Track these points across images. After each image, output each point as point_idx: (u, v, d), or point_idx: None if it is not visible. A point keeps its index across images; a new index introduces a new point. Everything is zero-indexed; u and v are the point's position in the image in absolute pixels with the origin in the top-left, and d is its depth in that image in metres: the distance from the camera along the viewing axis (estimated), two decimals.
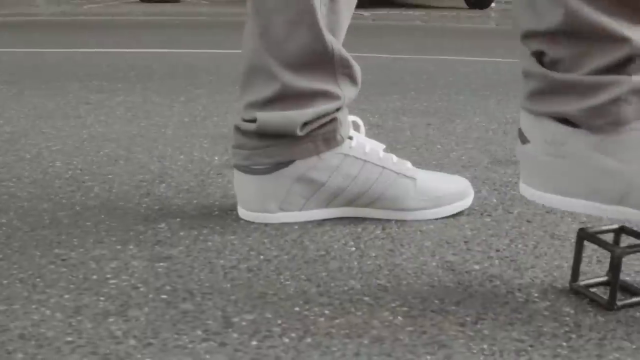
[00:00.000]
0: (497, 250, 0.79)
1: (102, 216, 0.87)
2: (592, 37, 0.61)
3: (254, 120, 0.84)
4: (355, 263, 0.74)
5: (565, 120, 0.64)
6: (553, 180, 0.65)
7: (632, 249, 0.67)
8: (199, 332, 0.59)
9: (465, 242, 0.81)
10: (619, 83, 0.61)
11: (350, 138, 0.87)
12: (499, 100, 1.76)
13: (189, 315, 0.62)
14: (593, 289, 0.70)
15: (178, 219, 0.86)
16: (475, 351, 0.57)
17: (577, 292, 0.69)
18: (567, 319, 0.63)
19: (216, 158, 1.15)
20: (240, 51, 3.11)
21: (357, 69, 0.85)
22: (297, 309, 0.63)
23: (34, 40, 3.08)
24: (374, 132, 1.36)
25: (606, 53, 0.61)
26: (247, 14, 0.84)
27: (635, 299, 0.68)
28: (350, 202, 0.86)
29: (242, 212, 0.87)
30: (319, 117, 0.84)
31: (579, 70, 0.62)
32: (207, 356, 0.55)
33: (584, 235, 0.69)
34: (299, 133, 0.83)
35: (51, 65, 2.27)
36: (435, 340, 0.58)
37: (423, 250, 0.78)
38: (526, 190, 0.68)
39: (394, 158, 0.88)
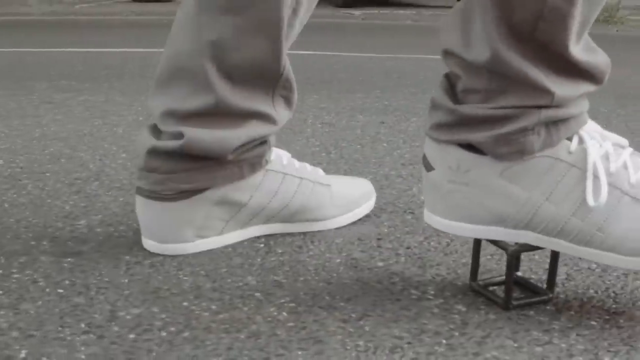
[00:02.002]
0: (408, 248, 0.79)
1: (27, 213, 0.88)
2: (515, 81, 0.61)
3: (179, 136, 0.72)
4: (259, 259, 0.75)
5: (470, 147, 0.64)
6: (458, 207, 0.65)
7: (525, 247, 0.67)
8: (82, 325, 0.60)
9: (378, 239, 0.82)
10: (527, 115, 0.61)
11: None
12: None
13: (78, 309, 0.63)
14: (494, 287, 0.71)
15: (99, 216, 0.87)
16: (349, 347, 0.58)
17: (476, 290, 0.70)
18: (456, 316, 0.64)
19: None
20: None
21: (295, 93, 0.78)
22: (185, 303, 0.64)
23: (20, 40, 3.10)
24: (324, 130, 1.37)
25: (525, 98, 0.61)
26: (183, 5, 0.72)
27: (531, 298, 0.68)
28: (269, 219, 0.80)
29: (151, 245, 0.75)
30: (251, 141, 0.75)
31: (492, 103, 0.62)
32: (83, 348, 0.56)
33: None
34: (230, 157, 0.74)
35: (27, 64, 2.28)
36: (313, 336, 0.59)
37: (331, 248, 0.78)
38: (430, 218, 0.68)
39: (308, 167, 0.83)
